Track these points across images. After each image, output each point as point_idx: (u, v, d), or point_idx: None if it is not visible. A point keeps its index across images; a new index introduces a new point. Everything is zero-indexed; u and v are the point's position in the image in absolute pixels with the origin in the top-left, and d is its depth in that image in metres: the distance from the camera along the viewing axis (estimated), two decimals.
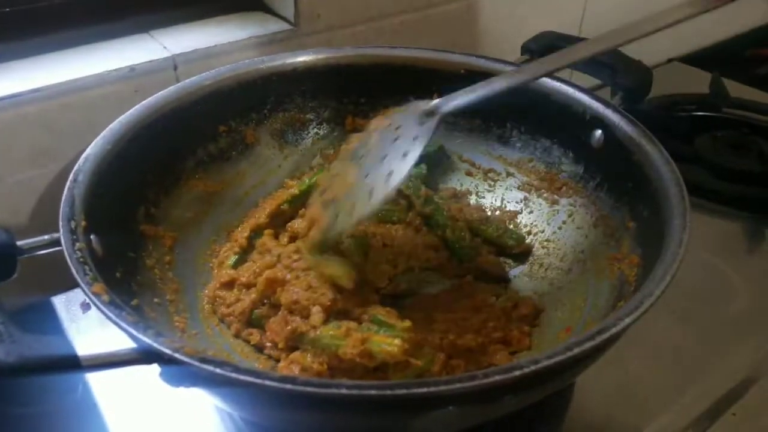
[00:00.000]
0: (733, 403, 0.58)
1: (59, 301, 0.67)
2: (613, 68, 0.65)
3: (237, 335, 0.57)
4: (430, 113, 0.56)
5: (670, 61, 1.12)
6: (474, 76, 0.69)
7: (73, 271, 0.44)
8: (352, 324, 0.53)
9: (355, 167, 0.56)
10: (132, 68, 0.71)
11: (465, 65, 0.69)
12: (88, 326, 0.64)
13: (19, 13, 0.72)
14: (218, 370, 0.37)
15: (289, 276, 0.57)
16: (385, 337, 0.51)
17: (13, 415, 0.55)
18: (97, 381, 0.59)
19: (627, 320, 0.41)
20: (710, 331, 0.65)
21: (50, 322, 0.66)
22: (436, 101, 0.56)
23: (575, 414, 0.58)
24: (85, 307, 0.66)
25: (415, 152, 0.52)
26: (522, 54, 0.71)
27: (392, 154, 0.54)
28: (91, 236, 0.49)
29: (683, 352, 0.63)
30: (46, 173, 0.69)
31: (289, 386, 0.36)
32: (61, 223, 0.48)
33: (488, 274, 0.63)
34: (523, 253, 0.65)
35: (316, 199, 0.58)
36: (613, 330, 0.40)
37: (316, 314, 0.54)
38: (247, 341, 0.57)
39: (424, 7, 0.87)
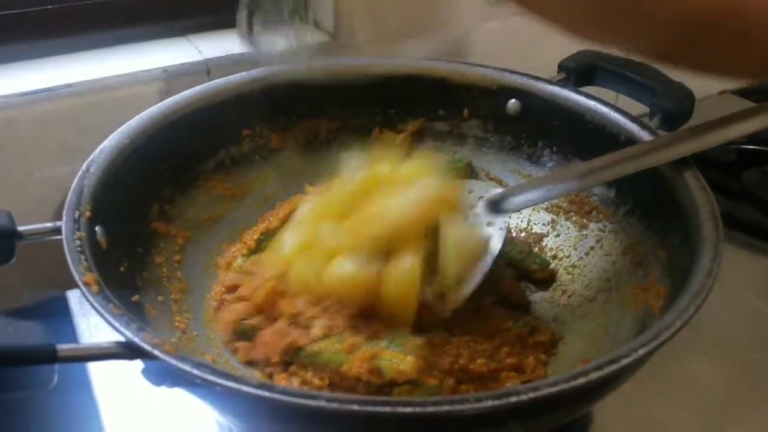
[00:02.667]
0: None
1: (74, 296, 0.67)
2: (653, 89, 0.61)
3: (224, 345, 0.54)
4: (497, 205, 0.57)
5: (721, 93, 1.08)
6: (507, 93, 0.67)
7: (68, 258, 0.43)
8: (357, 338, 0.51)
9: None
10: (164, 70, 0.72)
11: (498, 81, 0.67)
12: (99, 322, 0.63)
13: (59, 10, 0.73)
14: (194, 371, 0.35)
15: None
16: (396, 354, 0.48)
17: None
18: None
19: (641, 351, 0.37)
20: (749, 376, 0.60)
21: (62, 317, 0.66)
22: (502, 191, 0.58)
23: None
24: None
25: (484, 265, 0.55)
26: (559, 72, 0.68)
27: None
28: (97, 228, 0.49)
29: (716, 397, 0.58)
30: (74, 171, 0.69)
31: (266, 394, 0.34)
32: (65, 212, 0.47)
33: (508, 299, 0.60)
34: (546, 279, 0.62)
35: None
36: (624, 362, 0.37)
37: (319, 327, 0.51)
38: (233, 353, 0.53)
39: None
